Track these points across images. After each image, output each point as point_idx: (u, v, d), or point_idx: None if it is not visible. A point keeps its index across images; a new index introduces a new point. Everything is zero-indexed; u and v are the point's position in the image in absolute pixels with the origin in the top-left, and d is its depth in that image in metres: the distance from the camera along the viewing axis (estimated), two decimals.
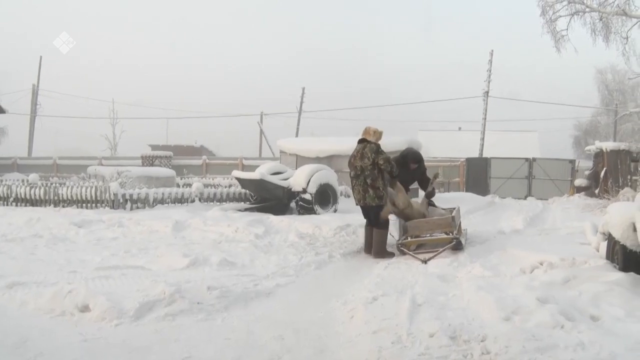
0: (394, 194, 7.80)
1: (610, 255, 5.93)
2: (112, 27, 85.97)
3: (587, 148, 22.62)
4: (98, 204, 13.00)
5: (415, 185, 9.61)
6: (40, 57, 37.45)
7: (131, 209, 12.79)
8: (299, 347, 3.85)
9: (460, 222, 8.25)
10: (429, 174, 9.17)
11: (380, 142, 7.80)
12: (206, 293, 4.85)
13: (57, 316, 4.41)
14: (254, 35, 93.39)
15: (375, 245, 7.51)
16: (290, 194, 12.75)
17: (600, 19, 17.61)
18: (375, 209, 7.56)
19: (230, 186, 15.50)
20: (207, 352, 3.77)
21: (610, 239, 5.92)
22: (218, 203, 13.93)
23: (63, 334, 4.01)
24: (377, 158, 7.37)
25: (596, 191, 18.44)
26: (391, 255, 7.45)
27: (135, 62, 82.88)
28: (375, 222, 7.62)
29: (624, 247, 5.43)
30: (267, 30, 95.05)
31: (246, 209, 12.74)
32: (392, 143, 17.30)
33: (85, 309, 4.46)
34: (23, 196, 13.63)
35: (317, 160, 15.45)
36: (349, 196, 15.28)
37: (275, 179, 12.67)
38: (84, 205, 13.06)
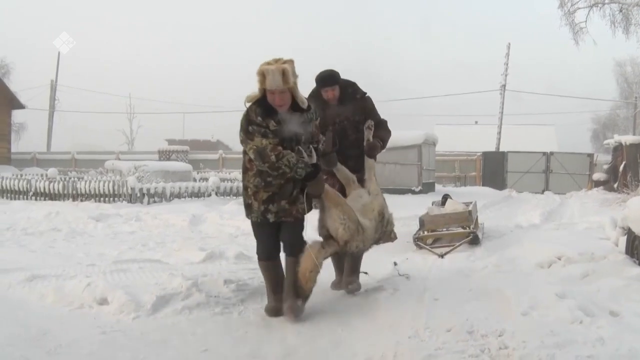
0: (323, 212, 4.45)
1: (630, 250, 5.85)
2: (129, 22, 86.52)
3: (606, 142, 22.41)
4: (116, 198, 13.11)
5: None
6: (59, 53, 37.78)
7: (148, 203, 12.89)
8: (316, 340, 3.85)
9: (477, 216, 8.20)
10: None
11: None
12: (223, 287, 4.87)
13: (75, 309, 4.45)
14: (269, 31, 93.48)
15: (289, 284, 4.33)
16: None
17: (620, 11, 17.41)
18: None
19: None
20: (224, 345, 3.79)
21: (630, 234, 5.85)
22: (234, 197, 13.99)
23: (82, 326, 4.05)
24: (245, 146, 4.16)
25: (615, 185, 18.24)
26: (304, 300, 4.34)
27: (153, 57, 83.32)
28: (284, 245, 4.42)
29: None
30: (281, 25, 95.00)
31: None
32: (409, 137, 17.25)
33: (103, 302, 4.50)
34: (42, 190, 13.79)
35: None
36: None
37: None
38: (101, 199, 13.19)
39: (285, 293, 4.32)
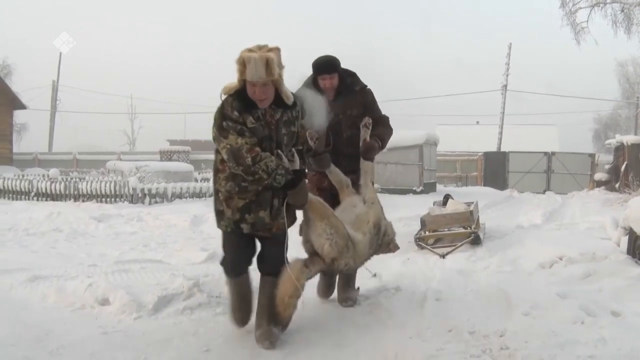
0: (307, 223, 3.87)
1: (632, 251, 5.85)
2: (129, 22, 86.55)
3: (608, 142, 22.41)
4: (117, 199, 13.11)
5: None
6: (60, 54, 37.85)
7: (150, 203, 12.89)
8: (317, 340, 3.85)
9: (478, 217, 8.20)
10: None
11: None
12: (224, 287, 4.86)
13: (77, 309, 4.45)
14: (269, 31, 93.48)
15: (262, 306, 3.78)
16: None
17: (622, 11, 17.42)
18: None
19: None
20: (226, 345, 3.78)
21: (632, 234, 5.85)
22: None
23: (83, 326, 4.05)
24: (218, 144, 3.57)
25: (617, 185, 18.23)
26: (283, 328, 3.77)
27: (153, 57, 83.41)
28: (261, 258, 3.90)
29: None
30: (281, 25, 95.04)
31: None
32: (410, 137, 17.23)
33: (105, 302, 4.50)
34: (44, 191, 13.78)
35: None
36: None
37: None
38: (103, 199, 13.18)
39: (258, 317, 3.81)
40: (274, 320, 3.72)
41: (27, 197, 13.89)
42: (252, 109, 3.56)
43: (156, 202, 13.05)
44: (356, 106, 4.44)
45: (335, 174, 4.30)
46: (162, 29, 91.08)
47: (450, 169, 26.43)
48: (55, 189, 13.63)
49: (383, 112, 4.61)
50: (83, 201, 13.15)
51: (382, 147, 4.39)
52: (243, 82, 3.52)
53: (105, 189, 13.24)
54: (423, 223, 7.78)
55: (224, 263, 3.91)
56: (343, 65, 4.46)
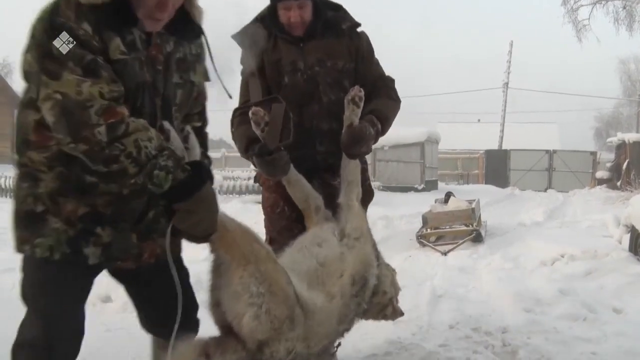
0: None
1: (633, 248, 5.86)
2: None
3: (609, 140, 22.40)
4: None
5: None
6: None
7: None
8: None
9: (480, 214, 8.20)
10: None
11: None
12: None
13: None
14: None
15: None
16: None
17: (624, 7, 17.43)
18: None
19: (249, 179, 15.54)
20: None
21: (633, 231, 5.86)
22: (237, 195, 14.02)
23: (86, 324, 4.05)
24: (35, 87, 1.68)
25: (618, 183, 18.22)
26: None
27: None
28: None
29: None
30: None
31: None
32: (412, 135, 17.23)
33: (107, 299, 4.49)
34: None
35: None
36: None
37: None
38: None
39: None
40: None
41: None
42: (123, 27, 1.72)
43: None
44: (342, 55, 2.64)
45: (298, 186, 2.51)
46: None
47: (452, 167, 26.45)
48: None
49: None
50: None
51: (383, 131, 2.57)
52: None
53: None
54: (425, 220, 7.78)
55: (32, 336, 1.99)
56: None
